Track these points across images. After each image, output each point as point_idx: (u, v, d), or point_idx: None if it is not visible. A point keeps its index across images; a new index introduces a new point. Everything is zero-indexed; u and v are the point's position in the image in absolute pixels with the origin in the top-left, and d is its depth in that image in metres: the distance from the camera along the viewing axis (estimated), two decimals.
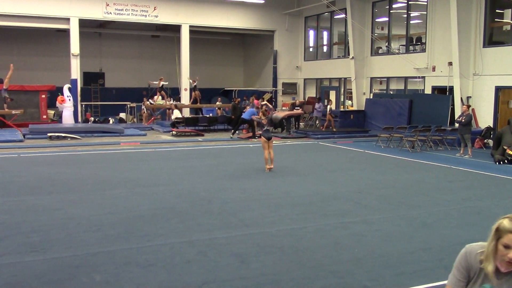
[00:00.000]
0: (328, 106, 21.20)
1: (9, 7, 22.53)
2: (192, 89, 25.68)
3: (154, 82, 25.59)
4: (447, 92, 19.32)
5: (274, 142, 12.53)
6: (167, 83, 25.29)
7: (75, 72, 24.24)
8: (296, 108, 23.79)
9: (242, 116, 19.98)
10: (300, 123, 23.53)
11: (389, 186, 10.27)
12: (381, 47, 23.96)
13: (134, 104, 25.53)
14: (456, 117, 16.57)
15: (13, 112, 19.97)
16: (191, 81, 25.69)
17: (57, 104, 22.85)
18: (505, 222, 2.30)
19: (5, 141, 16.98)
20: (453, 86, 18.63)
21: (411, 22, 22.55)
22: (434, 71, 20.12)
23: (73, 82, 23.91)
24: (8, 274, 5.25)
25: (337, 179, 11.06)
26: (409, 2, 21.97)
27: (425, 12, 20.79)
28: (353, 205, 8.52)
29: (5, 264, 5.50)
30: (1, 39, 27.11)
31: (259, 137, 19.44)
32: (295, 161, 13.85)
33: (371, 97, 23.67)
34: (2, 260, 5.63)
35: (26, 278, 5.16)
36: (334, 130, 20.53)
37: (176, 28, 26.86)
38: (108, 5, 24.39)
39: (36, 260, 5.65)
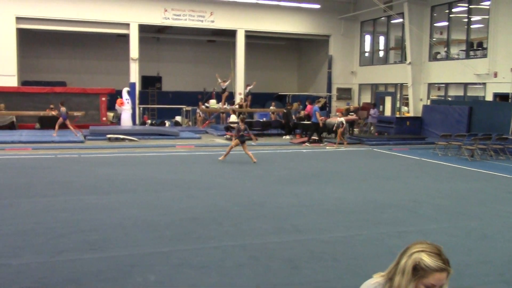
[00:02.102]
0: (338, 119, 19.36)
1: (73, 13, 23.52)
2: (247, 94, 25.88)
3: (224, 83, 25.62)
4: (510, 99, 18.55)
5: (327, 147, 12.44)
6: (228, 82, 25.46)
7: (134, 76, 24.98)
8: (350, 113, 23.51)
9: (313, 120, 19.64)
10: (354, 129, 23.25)
11: (446, 196, 9.96)
12: (439, 52, 23.32)
13: (189, 108, 26.00)
14: None
15: (75, 114, 20.77)
16: (248, 87, 25.92)
17: (116, 106, 23.62)
18: (425, 260, 1.98)
19: (67, 141, 17.69)
20: None
21: (472, 26, 21.83)
22: (496, 77, 19.37)
23: (132, 85, 24.64)
24: (67, 270, 5.45)
25: (391, 186, 10.83)
26: (470, 6, 21.28)
27: (487, 16, 20.08)
28: (408, 214, 8.33)
29: (65, 261, 5.72)
30: (65, 44, 28.33)
31: (314, 142, 19.29)
32: (348, 167, 13.68)
33: (429, 104, 23.06)
34: (62, 256, 5.85)
35: (84, 275, 5.34)
36: (344, 142, 18.93)
37: (232, 33, 27.18)
38: (166, 10, 25.01)
39: (94, 257, 5.85)
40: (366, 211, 8.46)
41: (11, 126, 21.24)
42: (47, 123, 21.40)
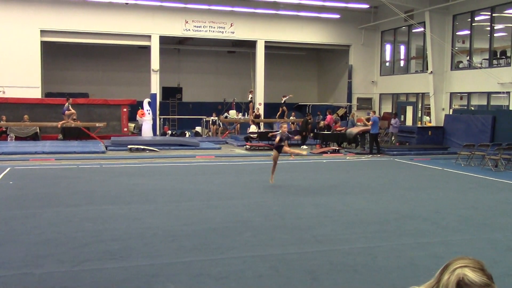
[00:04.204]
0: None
1: (96, 26, 23.92)
2: (282, 105, 26.06)
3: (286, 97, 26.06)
4: None
5: (348, 158, 12.34)
6: (250, 98, 25.71)
7: (155, 87, 25.23)
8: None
9: (372, 132, 18.88)
10: None
11: (470, 207, 9.79)
12: (462, 61, 23.05)
13: (209, 118, 26.14)
14: None
15: (97, 125, 21.04)
16: (284, 98, 26.11)
17: (137, 117, 23.85)
18: (469, 275, 1.87)
19: (89, 152, 17.89)
20: None
21: (495, 35, 21.56)
22: None
23: (153, 96, 24.88)
24: (89, 279, 5.49)
25: (413, 197, 10.69)
26: (493, 14, 21.03)
27: (511, 25, 19.81)
28: (430, 225, 8.19)
29: (86, 270, 5.76)
30: (87, 56, 28.78)
31: (375, 153, 18.74)
32: (369, 178, 13.56)
33: (451, 113, 22.78)
34: (84, 266, 5.90)
35: (106, 284, 5.37)
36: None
37: (252, 44, 27.31)
38: (187, 22, 25.25)
39: (115, 267, 5.88)
40: (387, 222, 8.36)
41: (34, 137, 21.60)
42: (69, 134, 21.72)
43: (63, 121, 20.25)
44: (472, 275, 1.88)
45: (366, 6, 26.76)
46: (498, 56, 21.07)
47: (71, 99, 20.81)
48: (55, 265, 5.89)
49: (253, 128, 21.85)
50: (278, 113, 25.89)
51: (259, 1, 25.41)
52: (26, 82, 22.94)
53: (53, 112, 21.98)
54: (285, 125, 12.38)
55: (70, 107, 20.27)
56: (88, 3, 23.72)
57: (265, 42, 26.73)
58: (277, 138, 11.82)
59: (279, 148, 11.77)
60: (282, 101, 25.99)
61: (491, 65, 20.94)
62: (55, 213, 8.55)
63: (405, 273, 5.87)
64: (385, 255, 6.53)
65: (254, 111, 25.14)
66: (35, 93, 23.20)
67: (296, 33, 27.17)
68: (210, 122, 25.97)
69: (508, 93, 19.76)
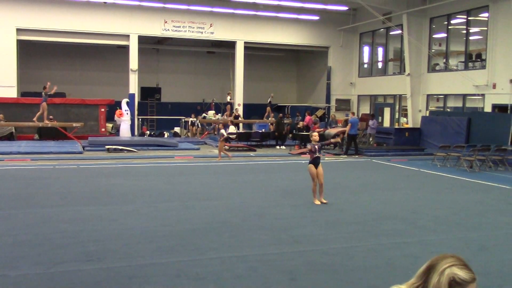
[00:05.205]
0: (221, 131, 18.30)
1: (73, 24, 23.64)
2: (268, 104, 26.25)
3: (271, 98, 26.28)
4: (508, 111, 18.59)
5: (326, 159, 12.37)
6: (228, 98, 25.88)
7: (133, 87, 25.04)
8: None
9: (350, 133, 18.95)
10: None
11: (446, 207, 9.94)
12: (438, 64, 23.41)
13: (188, 119, 26.06)
14: None
15: (74, 125, 20.78)
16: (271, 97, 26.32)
17: (115, 117, 23.64)
18: (459, 274, 1.92)
19: (66, 152, 17.66)
20: None
21: (471, 38, 21.93)
22: (495, 88, 19.43)
23: (131, 96, 24.68)
24: (65, 281, 5.43)
25: (391, 198, 10.81)
26: (469, 18, 21.39)
27: (486, 28, 20.18)
28: (407, 225, 8.30)
29: (63, 272, 5.69)
30: (65, 55, 28.41)
31: (352, 153, 18.84)
32: (347, 178, 13.67)
33: (427, 115, 23.10)
34: (60, 267, 5.83)
35: (82, 286, 5.32)
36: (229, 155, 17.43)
37: (231, 44, 27.30)
38: (166, 22, 25.13)
39: (92, 269, 5.82)
40: (365, 222, 8.44)
41: (10, 137, 21.24)
42: (46, 134, 21.41)
43: (39, 113, 19.66)
44: (461, 273, 1.92)
45: (345, 8, 26.98)
46: (474, 59, 21.45)
47: (48, 83, 20.16)
48: (30, 267, 5.81)
49: (232, 129, 21.81)
50: (266, 114, 26.09)
51: (238, 2, 25.41)
52: (1, 81, 22.55)
53: (29, 112, 21.61)
54: (316, 133, 10.22)
55: (52, 90, 19.72)
56: (66, 1, 23.42)
57: (245, 43, 26.75)
58: (308, 148, 10.19)
59: (315, 162, 9.86)
60: (268, 101, 26.11)
61: (467, 68, 21.31)
62: (30, 214, 8.43)
63: (382, 272, 5.93)
64: (363, 255, 6.59)
65: (232, 112, 25.15)
66: (11, 93, 22.82)
67: (276, 34, 27.26)
68: (189, 123, 25.88)
69: (483, 95, 20.12)
